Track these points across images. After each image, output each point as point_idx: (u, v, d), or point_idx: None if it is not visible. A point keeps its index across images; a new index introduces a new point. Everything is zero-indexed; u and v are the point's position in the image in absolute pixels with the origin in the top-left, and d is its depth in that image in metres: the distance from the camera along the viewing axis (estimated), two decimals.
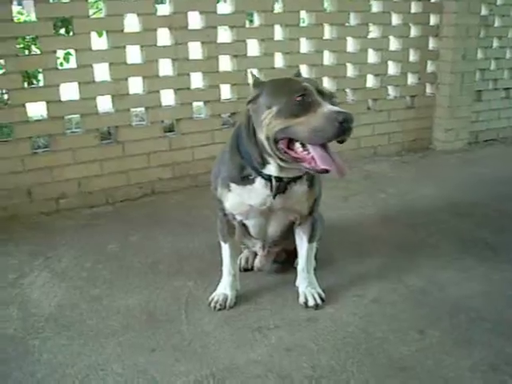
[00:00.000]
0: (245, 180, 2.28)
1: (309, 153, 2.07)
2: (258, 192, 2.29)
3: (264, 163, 2.22)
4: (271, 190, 2.26)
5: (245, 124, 2.26)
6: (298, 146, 2.09)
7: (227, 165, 2.33)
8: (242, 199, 2.33)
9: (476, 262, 2.93)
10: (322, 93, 2.08)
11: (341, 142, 2.03)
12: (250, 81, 2.27)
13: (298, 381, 2.00)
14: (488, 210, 3.68)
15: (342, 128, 1.96)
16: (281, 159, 2.15)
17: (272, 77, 4.30)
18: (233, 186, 2.33)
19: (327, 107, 2.00)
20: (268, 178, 2.25)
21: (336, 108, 2.00)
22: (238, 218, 2.47)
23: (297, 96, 2.04)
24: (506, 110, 5.80)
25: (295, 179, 2.29)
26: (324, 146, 2.06)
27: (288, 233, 2.56)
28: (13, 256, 3.12)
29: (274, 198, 2.28)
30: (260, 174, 2.25)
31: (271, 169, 2.22)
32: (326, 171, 2.06)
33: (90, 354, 2.20)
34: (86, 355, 2.19)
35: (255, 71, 4.39)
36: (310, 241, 2.52)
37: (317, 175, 2.37)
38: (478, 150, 5.43)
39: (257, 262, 2.74)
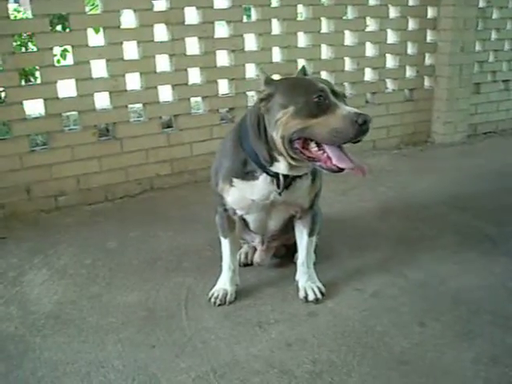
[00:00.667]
0: (248, 175, 2.27)
1: (324, 152, 2.09)
2: (260, 187, 2.29)
3: (272, 161, 2.21)
4: (278, 187, 2.26)
5: (253, 122, 2.23)
6: (313, 145, 2.09)
7: (230, 160, 2.32)
8: (245, 194, 2.32)
9: (476, 254, 2.93)
10: (335, 93, 2.10)
11: (355, 142, 2.05)
12: (261, 78, 2.23)
13: (298, 375, 2.00)
14: (487, 203, 3.68)
15: (362, 129, 1.98)
16: (293, 158, 2.15)
17: (270, 72, 4.33)
18: (235, 180, 2.32)
19: (345, 108, 2.03)
20: (273, 175, 2.25)
21: (354, 109, 2.02)
22: (239, 212, 2.46)
23: (314, 97, 2.04)
24: (504, 102, 5.79)
25: (301, 175, 2.29)
26: (339, 146, 2.09)
27: (287, 227, 2.56)
28: (12, 254, 3.11)
29: (280, 194, 2.27)
30: (266, 171, 2.25)
31: (280, 167, 2.20)
32: (342, 170, 2.09)
33: (91, 350, 2.20)
34: (87, 352, 2.19)
35: (253, 66, 4.39)
36: (310, 235, 2.52)
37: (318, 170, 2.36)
38: (477, 143, 5.42)
39: (256, 257, 2.74)
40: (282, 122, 2.08)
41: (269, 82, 2.20)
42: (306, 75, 2.37)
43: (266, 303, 2.51)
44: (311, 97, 2.04)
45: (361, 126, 1.97)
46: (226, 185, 2.36)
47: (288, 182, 2.28)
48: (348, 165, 2.08)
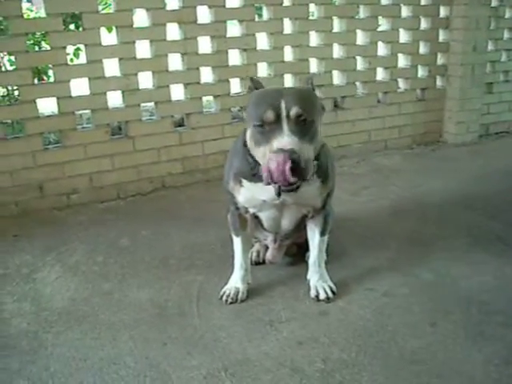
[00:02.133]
0: (255, 177, 2.24)
1: None
2: (268, 188, 2.24)
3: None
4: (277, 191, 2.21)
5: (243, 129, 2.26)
6: None
7: (239, 161, 2.33)
8: (254, 194, 2.33)
9: (488, 255, 2.92)
10: (288, 114, 1.97)
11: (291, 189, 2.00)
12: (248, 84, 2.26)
13: (309, 374, 2.01)
14: (500, 203, 3.66)
15: (280, 173, 1.88)
16: None
17: (282, 70, 4.35)
18: (244, 181, 2.33)
19: (277, 141, 1.92)
20: None
21: (278, 144, 1.90)
22: (251, 210, 2.47)
23: (256, 124, 2.01)
24: None
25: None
26: None
27: (300, 226, 2.56)
28: (25, 251, 3.14)
29: (278, 196, 2.20)
30: None
31: None
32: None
33: (103, 347, 2.22)
34: (99, 349, 2.21)
35: (265, 65, 4.40)
36: (322, 234, 2.52)
37: (329, 167, 2.37)
38: (489, 143, 5.40)
39: (268, 255, 2.75)
40: (247, 139, 2.13)
41: (250, 90, 2.21)
42: (313, 86, 2.27)
43: (278, 302, 2.51)
44: (254, 123, 2.02)
45: (283, 169, 1.87)
46: (237, 185, 2.38)
47: (294, 185, 2.25)
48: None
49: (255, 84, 2.27)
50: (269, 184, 2.00)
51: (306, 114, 1.99)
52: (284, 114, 1.97)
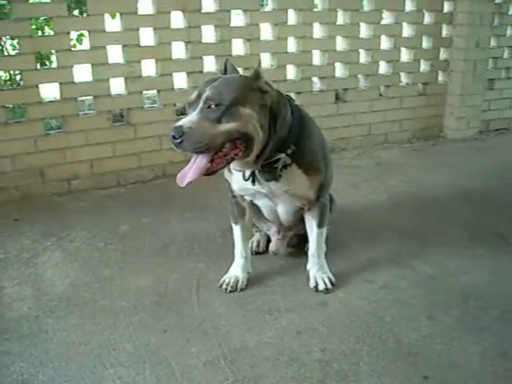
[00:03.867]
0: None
1: None
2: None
3: None
4: (251, 178, 2.33)
5: None
6: None
7: None
8: (244, 182, 2.35)
9: (486, 250, 2.94)
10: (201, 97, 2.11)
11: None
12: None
13: (308, 363, 2.03)
14: (498, 199, 3.68)
15: (173, 144, 2.05)
16: None
17: (285, 61, 4.35)
18: (233, 170, 2.37)
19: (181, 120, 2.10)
20: None
21: (180, 121, 2.07)
22: (247, 198, 2.51)
23: (188, 102, 2.19)
24: None
25: (275, 169, 2.29)
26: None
27: (301, 217, 2.57)
28: (26, 236, 3.15)
29: (253, 183, 2.31)
30: None
31: None
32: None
33: (103, 333, 2.23)
34: (99, 334, 2.23)
35: (268, 55, 4.40)
36: (320, 226, 2.53)
37: (318, 160, 2.39)
38: (489, 139, 5.41)
39: (272, 246, 2.77)
40: None
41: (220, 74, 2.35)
42: (257, 72, 2.22)
43: (277, 291, 2.53)
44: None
45: (172, 141, 2.04)
46: (229, 172, 2.43)
47: (267, 175, 2.30)
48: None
49: (226, 68, 2.39)
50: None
51: (216, 97, 2.08)
52: (202, 95, 2.11)
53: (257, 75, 2.21)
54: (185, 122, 2.05)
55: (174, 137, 2.01)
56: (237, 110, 2.10)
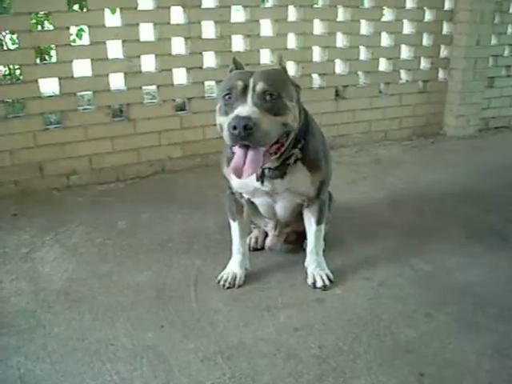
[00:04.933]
0: None
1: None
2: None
3: None
4: (259, 176, 2.30)
5: None
6: None
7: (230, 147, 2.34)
8: (246, 180, 2.34)
9: (484, 248, 2.94)
10: (254, 89, 2.07)
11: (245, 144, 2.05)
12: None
13: (305, 360, 2.03)
14: (497, 197, 3.68)
15: (234, 135, 1.98)
16: None
17: (285, 58, 4.33)
18: None
19: (237, 110, 2.02)
20: None
21: (237, 112, 2.00)
22: (246, 196, 2.50)
23: (224, 94, 2.11)
24: None
25: (286, 165, 2.30)
26: (247, 148, 2.07)
27: (299, 214, 2.57)
28: (24, 230, 3.15)
29: (257, 181, 2.29)
30: None
31: None
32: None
33: (100, 328, 2.24)
34: (96, 330, 2.23)
35: (268, 52, 4.39)
36: (318, 223, 2.53)
37: (320, 158, 2.40)
38: (489, 137, 5.40)
39: (268, 242, 2.77)
40: (216, 116, 2.19)
41: (230, 71, 2.31)
42: (284, 67, 2.32)
43: (275, 288, 2.53)
44: (223, 94, 2.12)
45: (233, 131, 1.97)
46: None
47: (277, 172, 2.29)
48: (232, 166, 2.10)
49: (237, 65, 2.34)
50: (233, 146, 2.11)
51: (271, 89, 2.07)
52: (251, 86, 2.07)
53: (285, 69, 2.29)
54: (249, 112, 1.99)
55: (245, 127, 1.94)
56: (285, 104, 2.12)
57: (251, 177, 2.21)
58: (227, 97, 2.10)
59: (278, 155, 2.21)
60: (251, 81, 2.08)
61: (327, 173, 2.47)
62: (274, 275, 2.65)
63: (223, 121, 2.10)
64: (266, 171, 2.29)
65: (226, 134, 2.04)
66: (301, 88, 2.32)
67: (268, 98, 2.06)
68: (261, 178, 2.30)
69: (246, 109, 2.00)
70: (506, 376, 1.95)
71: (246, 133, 1.95)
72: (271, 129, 2.04)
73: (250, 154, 2.06)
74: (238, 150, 2.08)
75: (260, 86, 2.06)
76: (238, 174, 2.07)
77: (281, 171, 2.30)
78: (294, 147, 2.28)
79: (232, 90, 2.08)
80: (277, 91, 2.08)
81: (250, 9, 4.19)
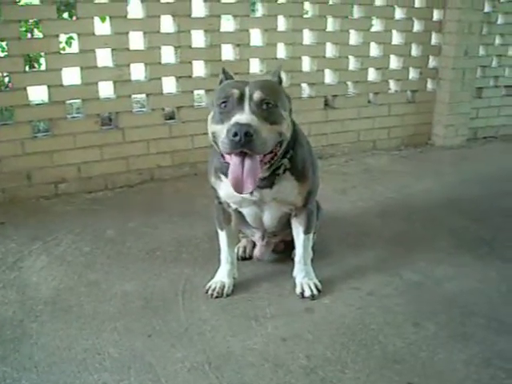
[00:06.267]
0: None
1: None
2: None
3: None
4: None
5: None
6: None
7: (217, 157, 2.34)
8: (233, 190, 2.33)
9: (472, 257, 2.95)
10: (251, 97, 2.08)
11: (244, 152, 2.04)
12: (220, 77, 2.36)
13: (293, 370, 2.02)
14: (485, 207, 3.70)
15: (234, 142, 1.98)
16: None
17: (274, 67, 4.35)
18: (223, 177, 2.35)
19: (235, 117, 2.02)
20: None
21: (236, 120, 2.00)
22: (233, 206, 2.50)
23: (220, 102, 2.11)
24: (505, 107, 5.78)
25: (275, 175, 2.30)
26: (244, 157, 2.07)
27: (287, 223, 2.57)
28: (11, 239, 3.13)
29: (250, 193, 2.25)
30: None
31: None
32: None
33: (87, 338, 2.22)
34: (83, 339, 2.21)
35: (257, 61, 4.40)
36: (306, 232, 2.54)
37: (308, 167, 2.41)
38: (477, 147, 5.43)
39: (256, 252, 2.76)
40: (208, 124, 2.20)
41: (219, 82, 2.32)
42: (280, 78, 2.35)
43: (263, 298, 2.53)
44: (218, 102, 2.12)
45: (234, 138, 1.97)
46: (217, 179, 2.42)
47: (266, 182, 2.29)
48: (230, 178, 2.10)
49: (226, 75, 2.34)
50: (229, 154, 2.10)
51: (268, 98, 2.10)
52: (247, 95, 2.08)
53: (280, 81, 2.31)
54: (249, 119, 2.00)
55: (246, 134, 1.95)
56: (281, 113, 2.15)
57: None
58: (223, 105, 2.10)
59: (269, 165, 2.21)
60: (247, 89, 2.09)
61: (314, 182, 2.48)
62: (262, 285, 2.64)
63: (218, 129, 2.10)
64: (256, 183, 2.28)
65: (223, 142, 2.04)
66: (291, 99, 2.34)
67: (265, 106, 2.08)
68: None
69: (245, 116, 2.02)
70: None
71: (246, 139, 1.96)
72: (269, 137, 2.06)
73: (248, 162, 2.07)
74: (234, 159, 2.08)
75: (257, 95, 2.08)
76: (239, 187, 2.08)
77: (269, 181, 2.30)
78: (283, 157, 2.28)
79: (228, 98, 2.09)
80: (273, 100, 2.10)
81: (240, 18, 4.20)
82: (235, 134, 1.96)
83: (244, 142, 1.96)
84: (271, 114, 2.09)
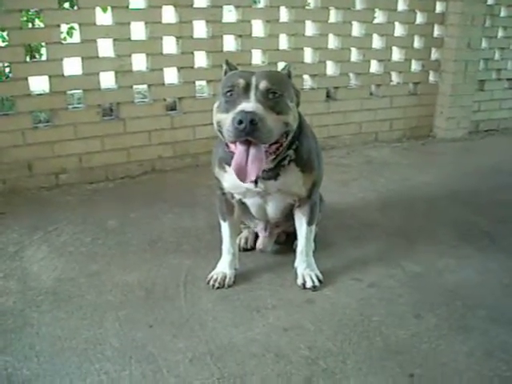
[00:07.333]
0: None
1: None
2: None
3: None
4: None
5: None
6: None
7: (222, 147, 2.33)
8: (236, 181, 2.32)
9: (473, 249, 2.95)
10: (257, 87, 2.07)
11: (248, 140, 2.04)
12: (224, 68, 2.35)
13: (294, 360, 2.02)
14: (486, 199, 3.70)
15: (239, 130, 1.97)
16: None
17: (276, 58, 4.35)
18: (228, 168, 2.34)
19: (241, 106, 2.01)
20: None
21: (241, 108, 2.00)
22: (237, 196, 2.49)
23: (225, 91, 2.10)
24: (508, 100, 5.78)
25: (280, 167, 2.29)
26: (249, 146, 2.06)
27: (289, 214, 2.57)
28: (12, 229, 3.12)
29: (255, 184, 2.28)
30: None
31: None
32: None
33: (89, 328, 2.22)
34: (85, 329, 2.21)
35: (259, 52, 4.38)
36: (310, 223, 2.53)
37: (313, 158, 2.40)
38: (478, 140, 5.42)
39: (259, 243, 2.76)
40: (213, 114, 2.19)
41: (224, 73, 2.31)
42: (289, 74, 2.33)
43: (265, 288, 2.52)
44: (224, 91, 2.11)
45: (238, 126, 1.96)
46: (221, 170, 2.41)
47: (271, 173, 2.29)
48: (234, 166, 2.08)
49: (230, 67, 2.33)
50: (233, 142, 2.09)
51: (274, 87, 2.09)
52: (253, 84, 2.08)
53: (289, 75, 2.30)
54: (254, 107, 1.99)
55: (251, 121, 1.94)
56: (287, 103, 2.14)
57: None
58: (229, 94, 2.09)
59: (275, 156, 2.20)
60: (253, 79, 2.09)
61: (319, 174, 2.48)
62: (263, 276, 2.64)
63: (223, 118, 2.09)
64: (260, 172, 2.27)
65: (228, 130, 2.03)
66: (300, 93, 2.33)
67: (271, 96, 2.07)
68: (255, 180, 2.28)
69: (250, 104, 2.01)
70: (495, 378, 1.95)
71: (251, 127, 1.95)
72: (274, 126, 2.05)
73: (253, 151, 2.06)
74: (239, 147, 2.07)
75: (263, 84, 2.07)
76: (242, 174, 2.07)
77: (274, 172, 2.29)
78: (289, 148, 2.27)
79: (234, 87, 2.08)
80: (279, 90, 2.10)
81: (242, 9, 4.18)
82: (240, 122, 1.95)
83: (249, 130, 1.95)
84: (277, 104, 2.08)
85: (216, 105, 2.19)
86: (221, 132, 2.15)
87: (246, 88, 2.07)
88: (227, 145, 2.20)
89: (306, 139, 2.36)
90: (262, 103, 2.03)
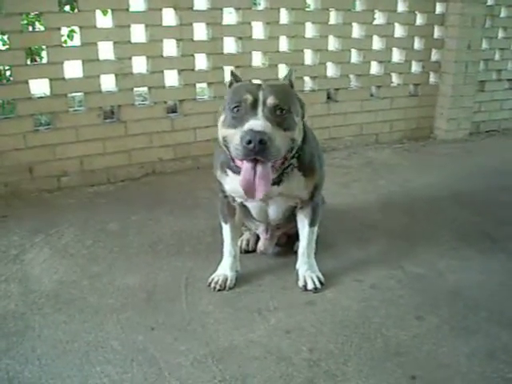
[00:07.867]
0: (239, 169, 2.22)
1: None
2: None
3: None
4: None
5: None
6: None
7: (224, 152, 2.33)
8: (238, 185, 2.33)
9: (475, 251, 2.95)
10: (264, 103, 2.06)
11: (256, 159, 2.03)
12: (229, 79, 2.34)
13: (296, 363, 2.02)
14: (487, 201, 3.69)
15: (248, 149, 1.96)
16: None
17: (277, 60, 4.36)
18: (229, 172, 2.35)
19: (249, 124, 2.00)
20: None
21: (249, 126, 1.98)
22: (238, 199, 2.49)
23: (232, 107, 2.09)
24: (508, 101, 5.77)
25: (283, 174, 2.29)
26: (256, 163, 2.06)
27: (291, 216, 2.57)
28: (14, 232, 3.13)
29: None
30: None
31: None
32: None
33: (90, 331, 2.22)
34: (86, 332, 2.21)
35: (259, 54, 4.39)
36: (311, 225, 2.53)
37: (315, 162, 2.40)
38: (479, 141, 5.42)
39: (260, 246, 2.76)
40: (218, 127, 2.18)
41: (230, 84, 2.29)
42: (291, 82, 2.33)
43: (266, 290, 2.53)
44: (231, 106, 2.09)
45: (247, 145, 1.95)
46: (223, 173, 2.41)
47: (274, 180, 2.26)
48: (242, 183, 2.08)
49: (235, 77, 2.32)
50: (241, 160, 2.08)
51: (282, 103, 2.08)
52: (261, 100, 2.06)
53: (292, 84, 2.29)
54: (263, 126, 1.97)
55: (260, 141, 1.92)
56: (294, 119, 2.13)
57: None
58: (235, 109, 2.08)
59: (281, 171, 2.22)
60: (261, 94, 2.07)
61: (321, 176, 2.48)
62: (264, 277, 2.64)
63: (230, 134, 2.08)
64: (269, 188, 2.26)
65: (236, 148, 2.02)
66: (305, 104, 2.33)
67: (278, 112, 2.07)
68: None
69: (259, 123, 1.99)
70: (497, 379, 1.95)
71: (260, 147, 1.94)
72: (282, 144, 2.05)
73: (260, 169, 2.05)
74: (246, 165, 2.07)
75: (271, 101, 2.06)
76: (251, 192, 2.07)
77: (278, 179, 2.29)
78: (292, 157, 2.27)
79: (241, 103, 2.07)
80: (286, 105, 2.09)
81: (242, 11, 4.18)
82: (249, 142, 1.94)
83: (258, 150, 1.95)
84: (284, 120, 2.07)
85: (222, 119, 2.17)
86: (227, 147, 2.14)
87: (254, 104, 2.05)
88: (233, 159, 2.19)
89: (308, 144, 2.36)
90: (270, 120, 2.02)
